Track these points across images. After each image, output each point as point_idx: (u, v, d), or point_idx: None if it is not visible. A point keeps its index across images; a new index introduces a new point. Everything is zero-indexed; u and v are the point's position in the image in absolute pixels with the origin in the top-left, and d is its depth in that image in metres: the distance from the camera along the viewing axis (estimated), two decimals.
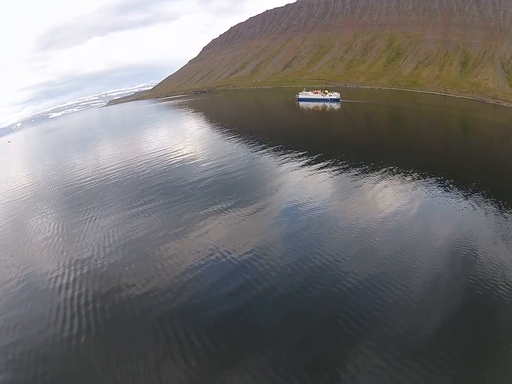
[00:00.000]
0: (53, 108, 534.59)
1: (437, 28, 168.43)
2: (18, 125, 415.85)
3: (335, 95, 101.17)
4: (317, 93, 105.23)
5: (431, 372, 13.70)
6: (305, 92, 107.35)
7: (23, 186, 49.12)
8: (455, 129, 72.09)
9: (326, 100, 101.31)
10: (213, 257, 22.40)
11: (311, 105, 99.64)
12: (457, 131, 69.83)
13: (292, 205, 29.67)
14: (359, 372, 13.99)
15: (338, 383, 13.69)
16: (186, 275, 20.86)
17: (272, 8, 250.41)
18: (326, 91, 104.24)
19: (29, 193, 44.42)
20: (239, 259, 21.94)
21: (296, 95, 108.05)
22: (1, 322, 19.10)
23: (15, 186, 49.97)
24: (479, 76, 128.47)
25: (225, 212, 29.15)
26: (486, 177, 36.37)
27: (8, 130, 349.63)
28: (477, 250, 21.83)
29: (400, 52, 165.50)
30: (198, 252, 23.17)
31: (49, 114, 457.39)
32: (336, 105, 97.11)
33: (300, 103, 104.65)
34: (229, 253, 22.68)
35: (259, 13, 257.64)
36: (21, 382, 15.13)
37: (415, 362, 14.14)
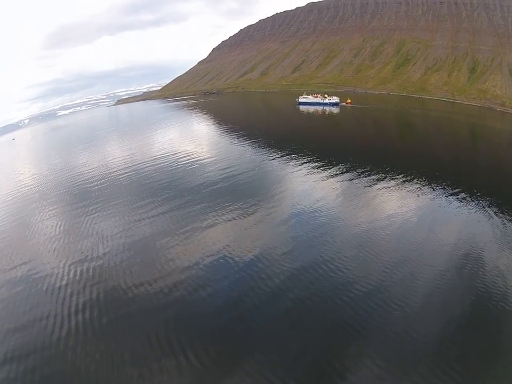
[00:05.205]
0: (61, 105, 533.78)
1: (446, 34, 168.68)
2: (26, 121, 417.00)
3: (334, 99, 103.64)
4: (316, 97, 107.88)
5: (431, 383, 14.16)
6: (306, 96, 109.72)
7: (22, 189, 49.47)
8: (463, 135, 72.68)
9: (326, 104, 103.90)
10: (216, 263, 22.84)
11: (311, 109, 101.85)
12: (465, 138, 70.45)
13: (297, 211, 29.94)
14: (360, 380, 14.50)
15: None
16: (190, 279, 21.28)
17: (282, 11, 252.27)
18: (326, 95, 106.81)
19: (30, 196, 44.60)
20: (243, 264, 22.36)
21: (297, 99, 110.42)
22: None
23: (15, 189, 50.30)
24: (487, 83, 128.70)
25: (229, 216, 29.55)
26: (493, 185, 36.75)
27: (16, 126, 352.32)
28: (482, 260, 21.88)
29: (409, 57, 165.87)
30: (202, 256, 23.58)
31: (57, 111, 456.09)
32: (335, 109, 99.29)
33: (300, 106, 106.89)
34: (233, 259, 23.08)
35: (269, 16, 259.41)
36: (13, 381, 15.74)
37: (416, 372, 14.54)
